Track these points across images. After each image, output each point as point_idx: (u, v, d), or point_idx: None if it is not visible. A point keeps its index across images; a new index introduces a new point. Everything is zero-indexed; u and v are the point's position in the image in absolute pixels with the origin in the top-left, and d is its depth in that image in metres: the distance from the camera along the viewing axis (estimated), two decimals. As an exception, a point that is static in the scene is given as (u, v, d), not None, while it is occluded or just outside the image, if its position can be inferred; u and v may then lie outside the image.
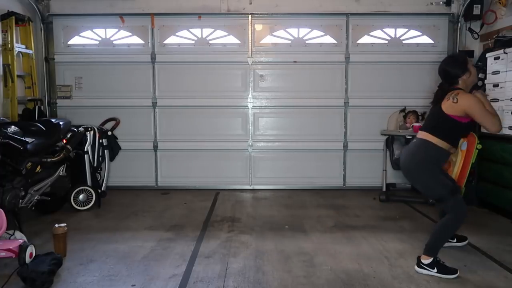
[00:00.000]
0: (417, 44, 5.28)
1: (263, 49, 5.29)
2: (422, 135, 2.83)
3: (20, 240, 2.78)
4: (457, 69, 2.80)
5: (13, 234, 2.89)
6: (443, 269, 2.71)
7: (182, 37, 5.30)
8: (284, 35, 5.30)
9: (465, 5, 5.02)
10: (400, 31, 5.28)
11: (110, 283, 2.62)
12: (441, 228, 2.79)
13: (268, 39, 5.31)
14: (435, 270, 2.70)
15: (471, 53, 5.11)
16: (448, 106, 2.71)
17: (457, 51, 5.16)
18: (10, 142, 3.20)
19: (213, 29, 5.28)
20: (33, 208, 3.73)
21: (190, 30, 5.29)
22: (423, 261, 2.75)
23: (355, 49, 5.27)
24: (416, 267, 2.78)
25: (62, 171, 4.06)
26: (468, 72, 2.80)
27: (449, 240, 3.18)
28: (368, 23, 5.27)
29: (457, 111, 2.69)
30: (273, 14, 5.25)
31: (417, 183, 2.96)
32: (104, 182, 4.60)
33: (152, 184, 5.40)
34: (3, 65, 4.54)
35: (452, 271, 2.71)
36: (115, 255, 3.08)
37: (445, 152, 2.79)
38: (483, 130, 4.35)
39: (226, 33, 5.28)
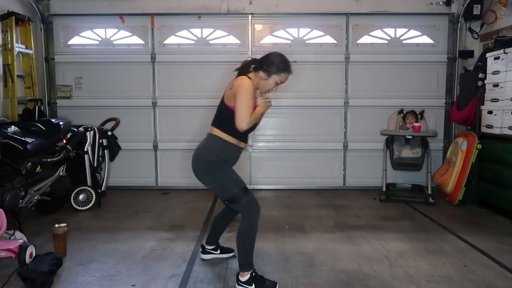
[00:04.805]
0: (417, 44, 5.28)
1: (263, 49, 5.26)
2: (210, 129, 2.60)
3: (20, 240, 2.78)
4: (269, 63, 2.52)
5: (13, 234, 2.89)
6: (261, 283, 2.48)
7: (182, 37, 5.30)
8: (284, 35, 5.30)
9: (465, 5, 5.02)
10: (400, 31, 5.28)
11: (110, 283, 2.62)
12: (243, 237, 2.51)
13: (268, 39, 5.30)
14: (253, 286, 2.47)
15: (471, 53, 5.11)
16: (227, 96, 2.51)
17: (457, 51, 5.17)
18: (10, 142, 3.20)
19: (213, 29, 5.28)
20: (33, 208, 3.73)
21: (190, 30, 5.29)
22: (241, 278, 2.50)
23: (355, 49, 5.27)
24: (236, 285, 2.53)
25: (62, 171, 4.05)
26: (268, 74, 2.52)
27: (212, 251, 2.98)
28: (368, 23, 5.27)
29: (233, 100, 2.43)
30: (273, 14, 5.25)
31: (208, 183, 2.59)
32: (104, 182, 4.60)
33: (152, 184, 5.40)
34: (3, 65, 4.54)
35: (271, 285, 2.50)
36: (115, 255, 3.08)
37: (235, 147, 2.55)
38: (483, 130, 4.39)
39: (226, 33, 5.28)
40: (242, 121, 2.40)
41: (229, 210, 2.84)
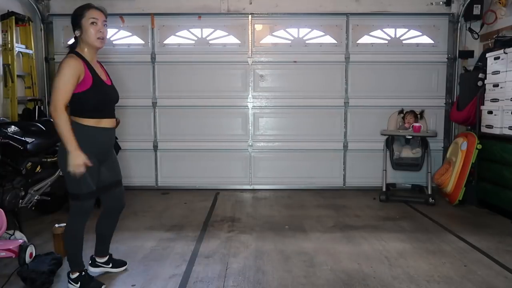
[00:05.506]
0: (417, 44, 5.28)
1: (263, 49, 5.29)
2: None
3: (20, 240, 2.78)
4: (71, 20, 2.36)
5: (13, 234, 2.89)
6: (87, 283, 2.49)
7: (182, 37, 5.30)
8: (284, 35, 5.29)
9: (465, 5, 5.02)
10: (400, 31, 5.28)
11: (110, 283, 2.62)
12: (65, 237, 2.56)
13: (268, 39, 5.30)
14: (78, 284, 2.47)
15: (471, 53, 5.11)
16: None
17: (457, 51, 5.17)
18: (10, 142, 3.20)
19: (213, 29, 5.28)
20: (33, 208, 3.72)
21: (190, 30, 5.29)
22: (70, 275, 2.52)
23: (355, 49, 5.27)
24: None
25: (62, 171, 4.05)
26: (78, 27, 2.33)
27: (103, 265, 2.80)
28: (368, 23, 5.26)
29: None
30: (273, 14, 5.25)
31: (63, 169, 2.40)
32: (104, 182, 4.59)
33: (152, 184, 5.40)
34: (3, 65, 4.54)
35: (96, 285, 2.51)
36: (115, 255, 3.06)
37: (93, 129, 2.39)
38: (483, 130, 4.39)
39: (226, 33, 5.28)
40: (52, 106, 2.23)
41: (108, 210, 2.76)
